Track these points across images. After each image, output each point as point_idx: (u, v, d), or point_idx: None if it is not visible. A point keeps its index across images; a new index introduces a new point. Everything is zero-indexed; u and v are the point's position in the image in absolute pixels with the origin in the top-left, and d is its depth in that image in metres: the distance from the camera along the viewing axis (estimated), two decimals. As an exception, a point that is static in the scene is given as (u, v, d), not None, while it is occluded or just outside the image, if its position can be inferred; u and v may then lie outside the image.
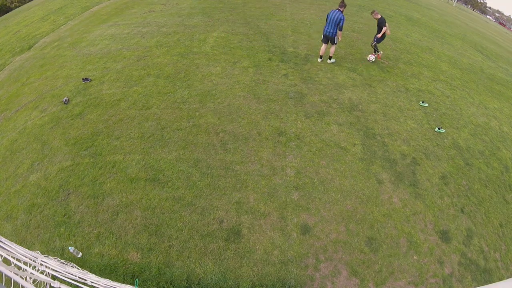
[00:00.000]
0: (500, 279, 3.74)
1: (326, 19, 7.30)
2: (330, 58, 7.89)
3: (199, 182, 4.40)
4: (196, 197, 4.20)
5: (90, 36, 10.53)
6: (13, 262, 1.48)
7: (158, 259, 3.49)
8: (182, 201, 4.14)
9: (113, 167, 4.70)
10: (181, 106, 6.02)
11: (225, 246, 3.64)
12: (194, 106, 6.01)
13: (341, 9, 7.00)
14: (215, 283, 3.28)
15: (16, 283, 1.31)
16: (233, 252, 3.58)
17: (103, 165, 4.74)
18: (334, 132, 5.47)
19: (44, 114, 6.26)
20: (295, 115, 5.83)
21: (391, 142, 5.42)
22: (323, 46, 7.72)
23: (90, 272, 2.41)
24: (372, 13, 7.61)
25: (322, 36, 7.57)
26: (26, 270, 1.49)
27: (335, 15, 7.03)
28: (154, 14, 12.10)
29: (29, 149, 5.33)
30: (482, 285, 2.72)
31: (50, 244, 3.71)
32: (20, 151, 5.35)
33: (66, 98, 6.54)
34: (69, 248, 2.90)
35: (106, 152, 4.99)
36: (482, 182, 5.04)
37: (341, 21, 6.95)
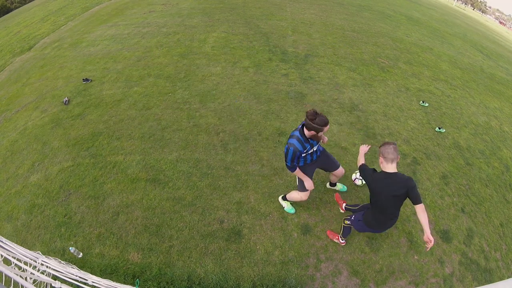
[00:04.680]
0: (501, 279, 3.74)
1: None
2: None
3: (200, 182, 4.40)
4: (197, 197, 4.20)
5: (90, 37, 10.54)
6: (13, 262, 1.48)
7: (158, 259, 3.49)
8: (183, 201, 4.14)
9: (113, 167, 4.70)
10: (181, 106, 6.02)
11: (225, 246, 3.64)
12: (195, 106, 6.01)
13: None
14: (216, 283, 3.28)
15: (16, 283, 1.31)
16: (233, 252, 3.58)
17: (104, 165, 4.74)
18: (335, 132, 5.47)
19: (44, 115, 6.27)
20: (295, 115, 5.83)
21: (392, 141, 5.41)
22: None
23: (91, 273, 2.41)
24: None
25: None
26: (26, 270, 1.49)
27: None
28: (154, 14, 12.11)
29: (30, 150, 5.33)
30: (483, 284, 2.71)
31: (51, 245, 3.71)
32: (21, 152, 5.35)
33: (66, 98, 6.54)
34: (70, 248, 2.89)
35: (106, 152, 4.99)
36: (482, 182, 5.03)
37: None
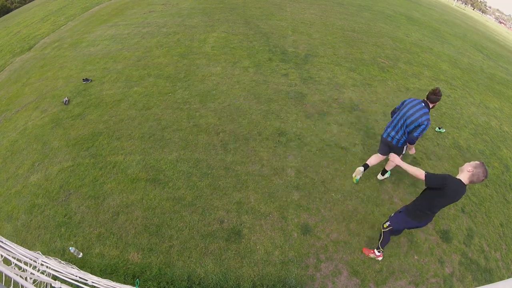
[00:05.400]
0: (501, 279, 3.74)
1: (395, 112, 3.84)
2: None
3: (200, 182, 4.40)
4: (197, 197, 4.20)
5: (90, 37, 10.54)
6: (13, 262, 1.48)
7: (158, 259, 3.49)
8: (183, 201, 4.14)
9: (113, 167, 4.70)
10: (181, 106, 6.02)
11: (225, 246, 3.64)
12: (195, 106, 6.01)
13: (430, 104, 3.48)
14: (216, 283, 3.28)
15: (16, 283, 1.31)
16: (233, 252, 3.58)
17: (104, 165, 4.74)
18: (335, 132, 5.47)
19: (44, 115, 6.27)
20: (295, 115, 5.83)
21: (392, 141, 5.41)
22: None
23: (91, 273, 2.41)
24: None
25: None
26: (26, 270, 1.49)
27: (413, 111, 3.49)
28: (154, 14, 12.11)
29: (30, 150, 5.33)
30: (483, 284, 2.71)
31: (51, 245, 3.71)
32: (21, 152, 5.36)
33: (66, 98, 6.55)
34: (70, 248, 2.89)
35: (106, 152, 4.99)
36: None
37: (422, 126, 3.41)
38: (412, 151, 3.82)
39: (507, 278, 3.67)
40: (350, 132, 5.50)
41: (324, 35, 10.07)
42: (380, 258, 3.54)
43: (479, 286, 2.59)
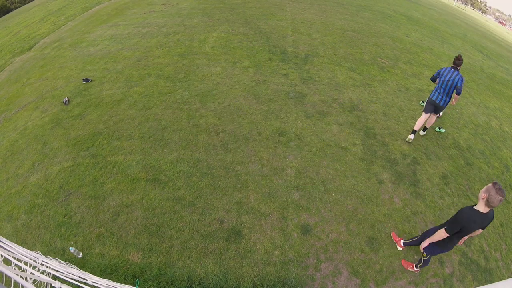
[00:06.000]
0: (501, 279, 3.74)
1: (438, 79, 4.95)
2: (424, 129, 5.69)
3: (200, 182, 4.40)
4: (197, 197, 4.20)
5: (90, 37, 10.54)
6: (13, 262, 1.48)
7: (159, 259, 3.49)
8: (183, 201, 4.14)
9: (113, 167, 4.70)
10: (181, 106, 6.02)
11: (225, 246, 3.64)
12: (195, 106, 6.01)
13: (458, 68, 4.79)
14: (216, 283, 3.28)
15: (16, 283, 1.31)
16: (233, 252, 3.58)
17: (104, 165, 4.74)
18: (335, 132, 5.47)
19: (44, 115, 6.27)
20: (295, 115, 5.83)
21: (392, 142, 5.42)
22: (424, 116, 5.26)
23: (91, 273, 2.41)
24: None
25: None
26: (26, 270, 1.50)
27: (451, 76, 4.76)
28: (154, 14, 12.11)
29: (30, 150, 5.34)
30: (483, 284, 2.71)
31: (51, 245, 3.71)
32: (21, 152, 5.36)
33: (66, 98, 6.55)
34: (70, 248, 2.90)
35: (106, 152, 4.99)
36: (482, 182, 5.03)
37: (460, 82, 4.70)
38: (454, 102, 4.94)
39: (507, 278, 3.67)
40: (350, 132, 5.50)
41: (324, 35, 10.07)
42: (417, 272, 3.58)
43: (479, 286, 2.59)
